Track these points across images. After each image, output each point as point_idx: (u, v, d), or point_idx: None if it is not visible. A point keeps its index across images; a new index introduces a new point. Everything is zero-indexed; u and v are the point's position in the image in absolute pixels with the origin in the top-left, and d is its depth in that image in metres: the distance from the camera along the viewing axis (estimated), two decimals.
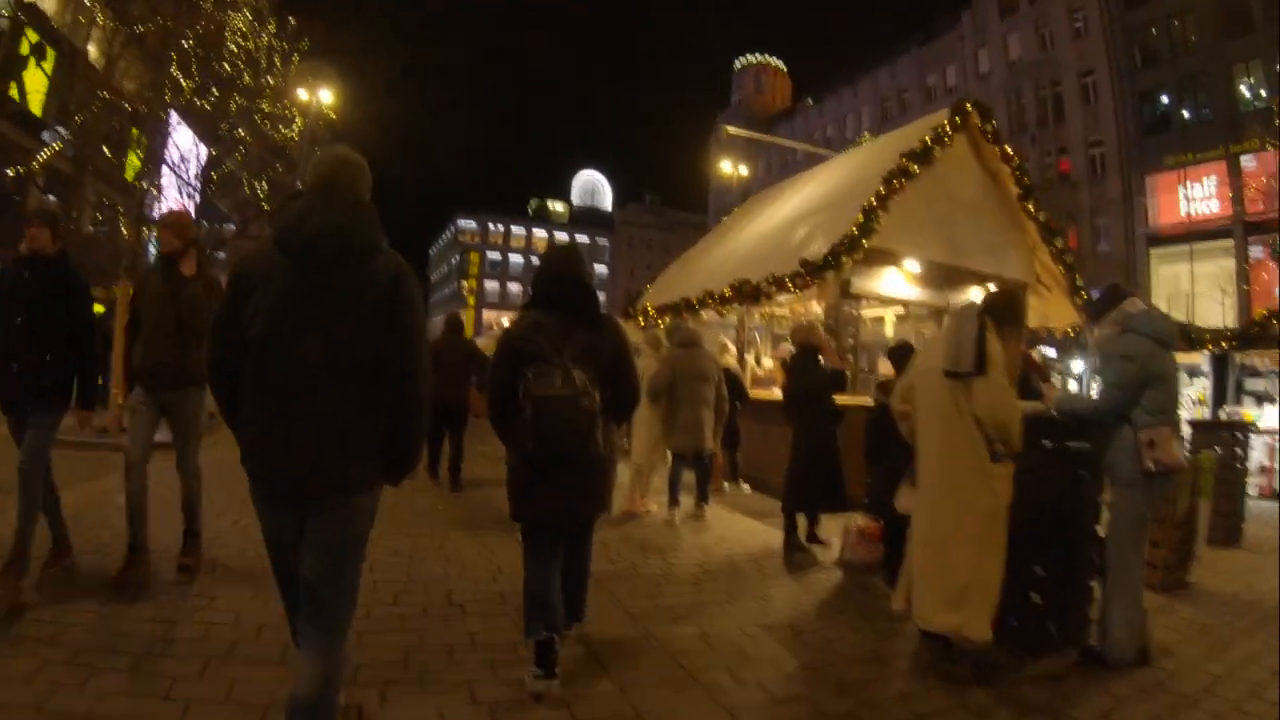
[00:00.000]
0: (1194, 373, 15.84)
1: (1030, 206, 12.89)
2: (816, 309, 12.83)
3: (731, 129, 36.39)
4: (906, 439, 4.65)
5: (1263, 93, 31.14)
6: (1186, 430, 9.36)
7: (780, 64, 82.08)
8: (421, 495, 8.99)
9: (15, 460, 4.73)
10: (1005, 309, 4.40)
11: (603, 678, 4.02)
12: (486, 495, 9.24)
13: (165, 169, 25.60)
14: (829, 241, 10.56)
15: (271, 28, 25.57)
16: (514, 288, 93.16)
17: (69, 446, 9.70)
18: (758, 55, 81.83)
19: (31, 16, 23.28)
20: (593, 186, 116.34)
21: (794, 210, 14.65)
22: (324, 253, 2.67)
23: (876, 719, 3.78)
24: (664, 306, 15.06)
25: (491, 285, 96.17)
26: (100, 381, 6.88)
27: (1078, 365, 28.18)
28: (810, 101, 65.93)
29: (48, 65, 23.90)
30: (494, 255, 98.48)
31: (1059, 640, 4.64)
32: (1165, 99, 36.14)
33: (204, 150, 26.25)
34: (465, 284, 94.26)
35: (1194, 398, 15.92)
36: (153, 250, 29.04)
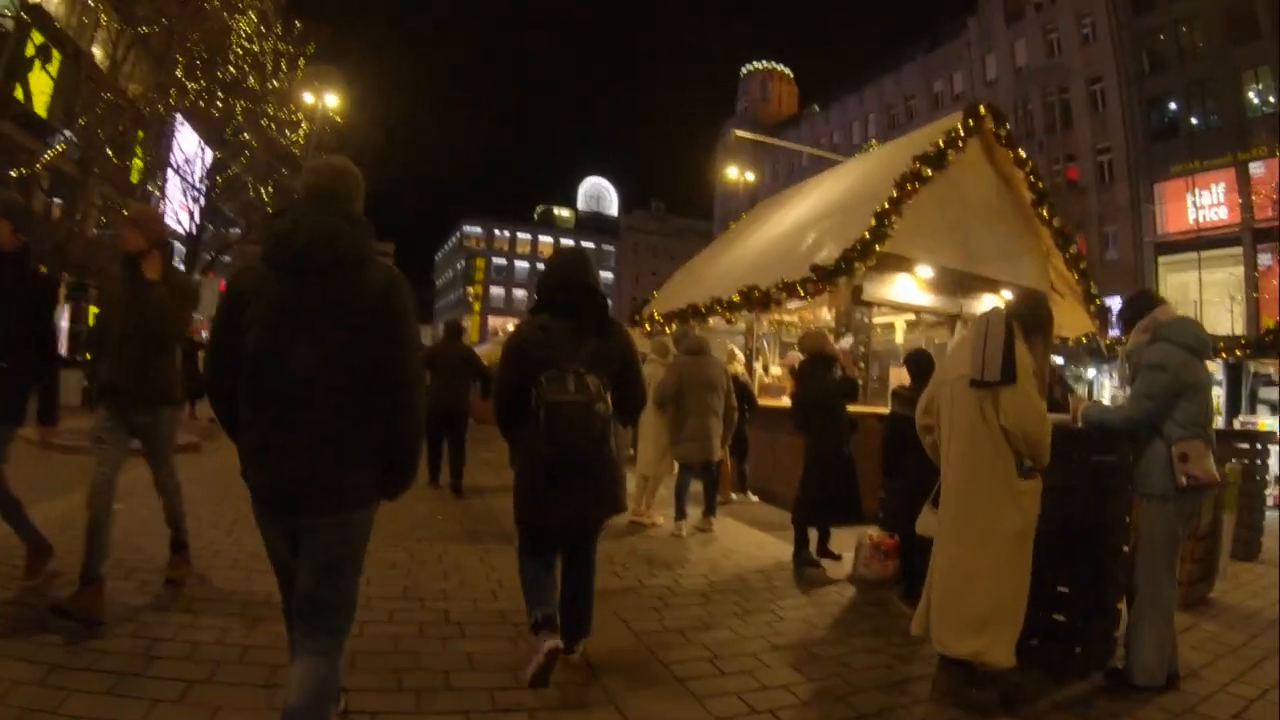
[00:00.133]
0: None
1: (1044, 212, 12.70)
2: (825, 316, 12.63)
3: (740, 132, 36.28)
4: (930, 454, 4.41)
5: (1271, 99, 31.02)
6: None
7: (787, 70, 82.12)
8: (422, 503, 8.76)
9: None
10: (1033, 315, 4.18)
11: (607, 705, 3.80)
12: (488, 503, 9.07)
13: (170, 172, 25.62)
14: (840, 247, 10.36)
15: (277, 31, 25.53)
16: (519, 293, 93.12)
17: (71, 451, 9.54)
18: (764, 62, 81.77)
19: (37, 18, 23.24)
20: (598, 192, 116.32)
21: (803, 215, 14.46)
22: (316, 263, 2.67)
23: None
24: (671, 313, 14.88)
25: (497, 291, 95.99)
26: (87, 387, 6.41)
27: (1088, 373, 27.92)
28: (816, 108, 65.91)
29: (53, 68, 23.87)
30: (499, 261, 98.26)
31: (1085, 663, 4.44)
32: (1173, 106, 36.07)
33: (209, 154, 26.21)
34: (470, 289, 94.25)
35: None
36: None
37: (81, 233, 23.09)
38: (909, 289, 11.42)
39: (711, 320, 13.49)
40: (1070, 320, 13.40)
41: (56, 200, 25.60)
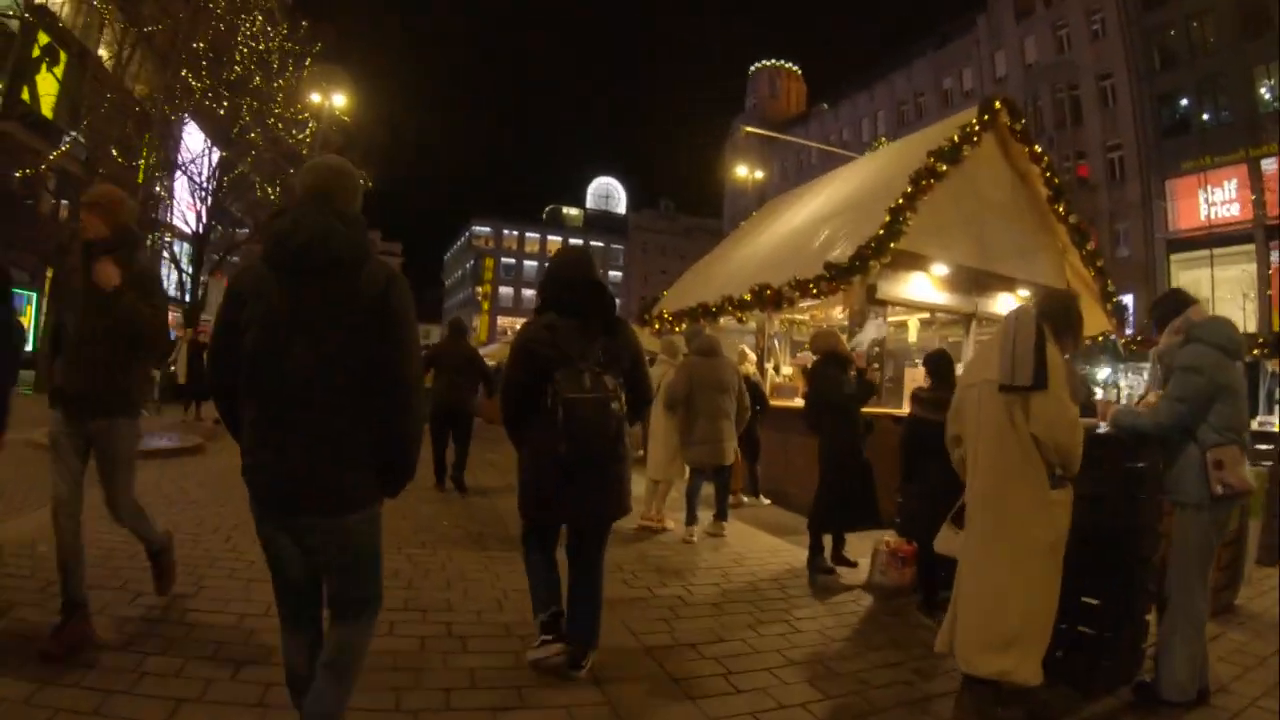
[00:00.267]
0: None
1: (1060, 208, 12.46)
2: (837, 315, 12.44)
3: (749, 128, 36.14)
4: (957, 469, 4.17)
5: None
6: None
7: (795, 68, 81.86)
8: (426, 506, 8.61)
9: None
10: (1064, 315, 3.96)
11: None
12: (494, 505, 8.91)
13: (176, 172, 25.57)
14: (854, 244, 10.13)
15: (283, 30, 25.47)
16: (528, 293, 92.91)
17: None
18: (773, 59, 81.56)
19: (42, 18, 23.21)
20: (607, 192, 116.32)
21: (815, 213, 14.24)
22: (313, 263, 2.67)
23: None
24: (681, 312, 14.69)
25: (506, 290, 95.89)
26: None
27: (1102, 373, 27.72)
28: (825, 106, 65.73)
29: (59, 70, 23.86)
30: (508, 260, 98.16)
31: (1112, 677, 4.26)
32: (1185, 102, 35.87)
33: (216, 153, 26.17)
34: (479, 289, 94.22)
35: None
36: (170, 254, 29.26)
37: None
38: (924, 287, 11.20)
39: (722, 319, 13.30)
40: (1087, 319, 13.12)
41: (64, 201, 25.61)
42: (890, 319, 12.51)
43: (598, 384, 3.82)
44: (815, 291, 10.50)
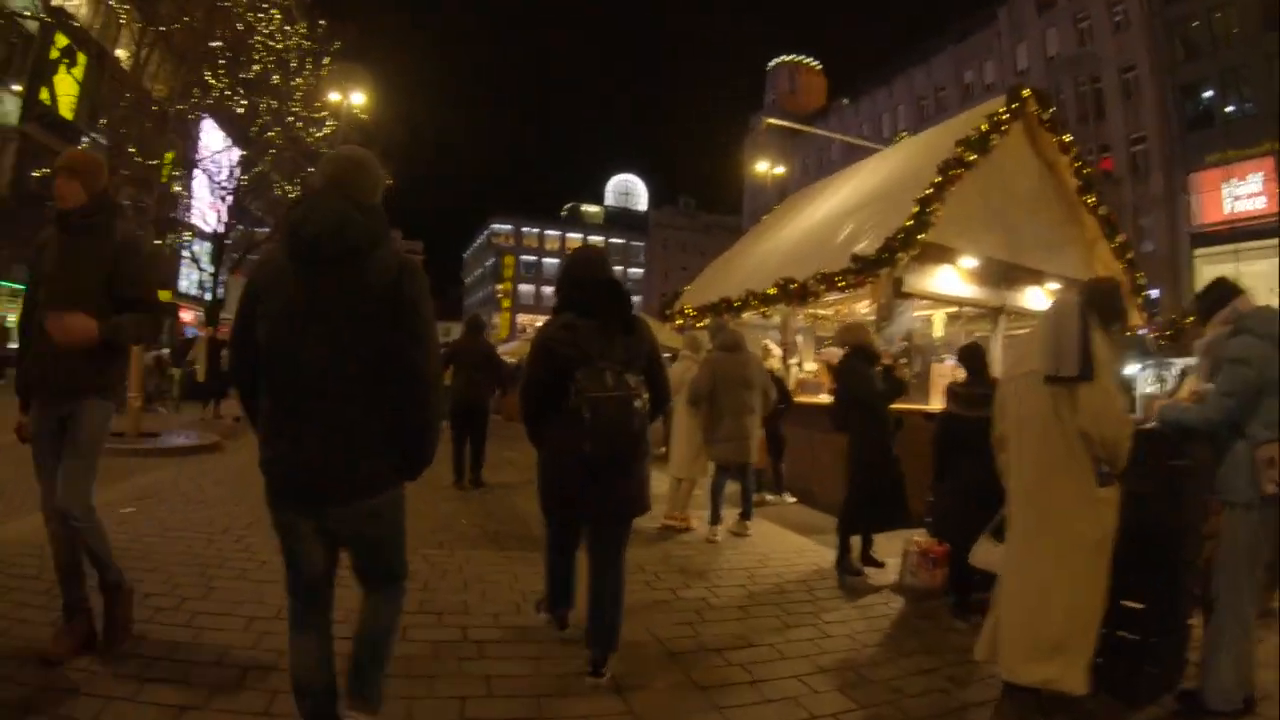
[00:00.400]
0: None
1: (1090, 199, 12.21)
2: (861, 310, 12.24)
3: (771, 120, 35.91)
4: (1001, 474, 3.94)
5: None
6: None
7: (814, 63, 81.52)
8: (444, 504, 8.51)
9: None
10: (1108, 302, 3.75)
11: None
12: (513, 504, 8.77)
13: (196, 171, 25.63)
14: (880, 236, 9.92)
15: (301, 29, 25.47)
16: (548, 290, 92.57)
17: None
18: (792, 55, 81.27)
19: (60, 20, 23.32)
20: (626, 189, 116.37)
21: (839, 206, 14.03)
22: (328, 252, 2.65)
23: None
24: (703, 307, 14.52)
25: (526, 288, 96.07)
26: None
27: (1131, 369, 27.29)
28: (845, 101, 65.35)
29: (78, 71, 23.95)
30: (528, 258, 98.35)
31: (1155, 684, 4.06)
32: (1208, 93, 35.41)
33: (236, 152, 26.23)
34: (500, 287, 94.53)
35: None
36: (190, 253, 29.31)
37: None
38: (951, 280, 10.95)
39: (745, 314, 13.12)
40: None
41: None
42: (915, 313, 12.31)
43: (620, 382, 3.79)
44: (842, 284, 10.30)
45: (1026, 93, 11.55)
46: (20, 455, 4.13)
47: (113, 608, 3.95)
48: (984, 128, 10.79)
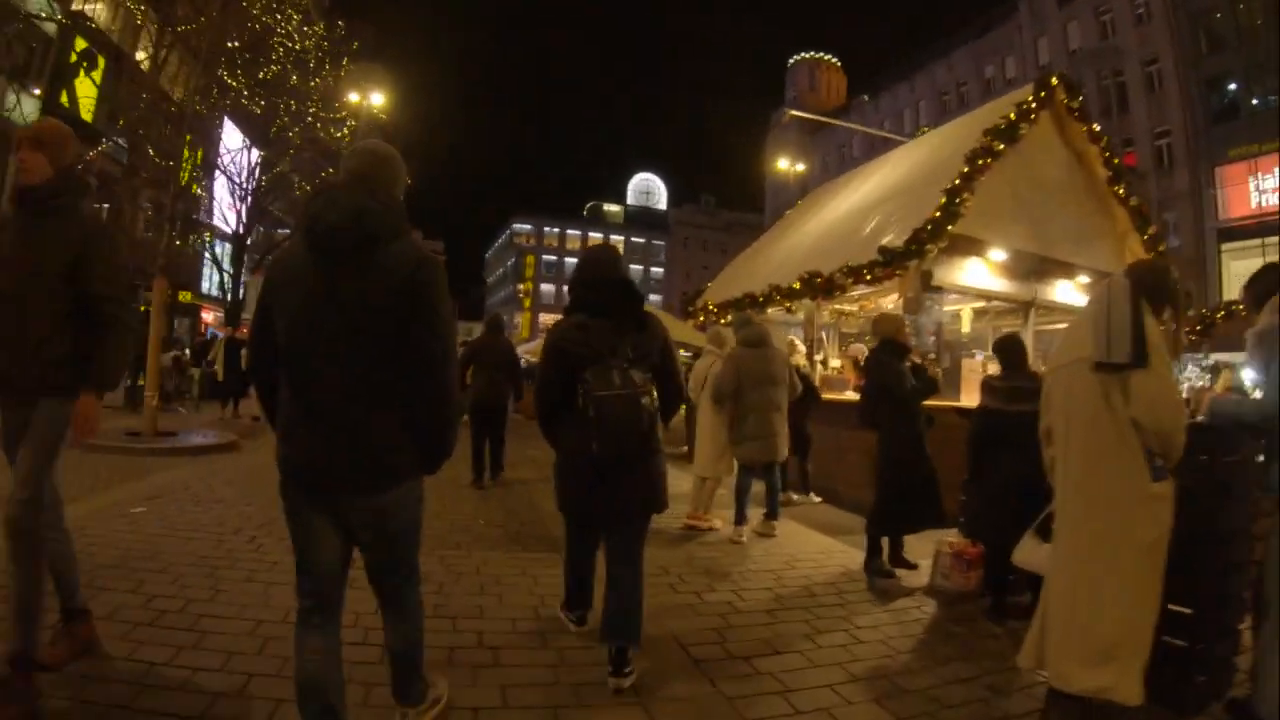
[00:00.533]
0: None
1: (1120, 190, 11.85)
2: (887, 305, 11.98)
3: (794, 112, 35.78)
4: (1048, 471, 3.67)
5: None
6: None
7: (834, 60, 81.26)
8: (463, 504, 8.36)
9: None
10: (1161, 284, 3.47)
11: None
12: (533, 503, 8.62)
13: (215, 172, 25.68)
14: (908, 229, 9.64)
15: (319, 29, 25.47)
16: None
17: (92, 450, 9.32)
18: (812, 52, 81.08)
19: (79, 23, 23.41)
20: (647, 188, 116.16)
21: (864, 199, 13.76)
22: (345, 241, 2.63)
23: None
24: (726, 303, 14.30)
25: (547, 288, 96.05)
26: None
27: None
28: (865, 98, 65.02)
29: (97, 74, 24.03)
30: (549, 257, 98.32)
31: (1204, 693, 3.83)
32: (1233, 86, 34.82)
33: (255, 153, 26.28)
34: (521, 286, 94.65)
35: None
36: (212, 255, 29.38)
37: (130, 235, 23.08)
38: (980, 273, 10.66)
39: (770, 309, 12.89)
40: None
41: (106, 205, 25.80)
42: (944, 308, 12.05)
43: (627, 380, 3.76)
44: (869, 277, 10.03)
45: (1055, 80, 11.21)
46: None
47: (70, 629, 3.66)
48: (1012, 116, 10.49)
